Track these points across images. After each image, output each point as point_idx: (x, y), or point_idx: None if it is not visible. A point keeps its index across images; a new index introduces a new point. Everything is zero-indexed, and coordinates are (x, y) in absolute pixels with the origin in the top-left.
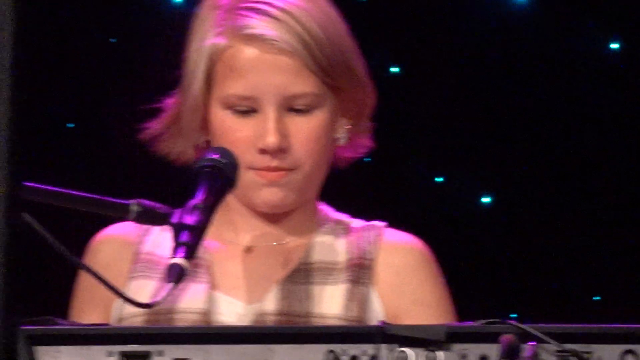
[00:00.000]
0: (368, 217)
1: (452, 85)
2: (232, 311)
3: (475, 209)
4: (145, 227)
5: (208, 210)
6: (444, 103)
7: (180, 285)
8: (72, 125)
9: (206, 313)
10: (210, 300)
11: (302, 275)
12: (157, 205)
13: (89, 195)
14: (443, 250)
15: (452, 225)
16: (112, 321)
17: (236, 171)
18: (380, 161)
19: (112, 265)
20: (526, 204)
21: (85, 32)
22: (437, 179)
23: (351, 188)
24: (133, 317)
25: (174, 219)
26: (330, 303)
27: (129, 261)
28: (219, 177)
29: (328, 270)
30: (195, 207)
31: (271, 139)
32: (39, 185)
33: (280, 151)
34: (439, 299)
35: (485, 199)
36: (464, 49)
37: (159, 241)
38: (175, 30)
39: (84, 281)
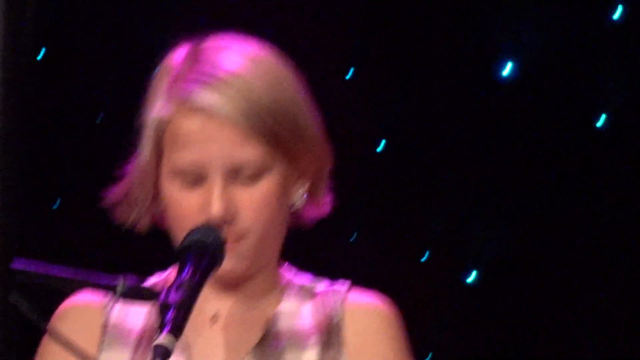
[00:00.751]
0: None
1: (441, 160)
2: None
3: (459, 287)
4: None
5: (194, 289)
6: (427, 179)
7: None
8: (56, 205)
9: None
10: None
11: (271, 343)
12: (141, 281)
13: (77, 274)
14: (431, 329)
15: (437, 302)
16: None
17: (222, 249)
18: (366, 234)
19: (80, 335)
20: (509, 281)
21: (69, 109)
22: (422, 259)
23: (331, 266)
24: None
25: (161, 297)
26: None
27: (98, 332)
28: (205, 254)
29: (297, 337)
30: (180, 286)
31: (216, 208)
32: (27, 266)
33: (225, 221)
34: (400, 358)
35: (471, 276)
36: (450, 126)
37: (127, 310)
38: None
39: (51, 351)
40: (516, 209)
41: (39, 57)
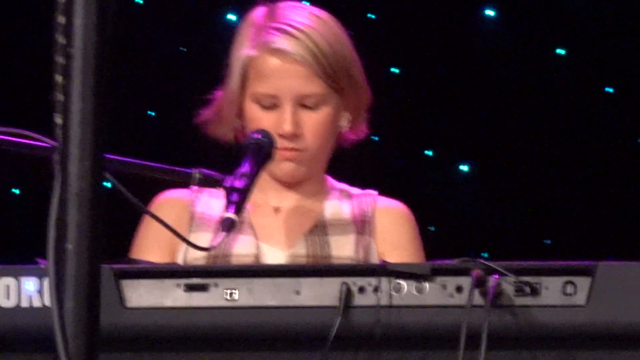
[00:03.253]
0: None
1: (441, 79)
2: (274, 255)
3: (456, 175)
4: (195, 192)
5: (252, 177)
6: (434, 95)
7: (232, 236)
8: (153, 113)
9: (256, 256)
10: (257, 247)
11: (320, 230)
12: (212, 172)
13: (159, 164)
14: (434, 206)
15: (439, 189)
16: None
17: (273, 147)
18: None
19: (175, 222)
20: (502, 170)
21: (160, 41)
22: (427, 153)
23: (358, 163)
24: (195, 260)
25: (227, 183)
26: (344, 248)
27: (188, 219)
28: (261, 151)
29: (339, 225)
30: (242, 174)
31: (287, 127)
32: (118, 157)
33: (294, 136)
34: (415, 246)
35: (464, 167)
36: (449, 54)
37: (208, 203)
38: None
39: (150, 228)
40: (499, 116)
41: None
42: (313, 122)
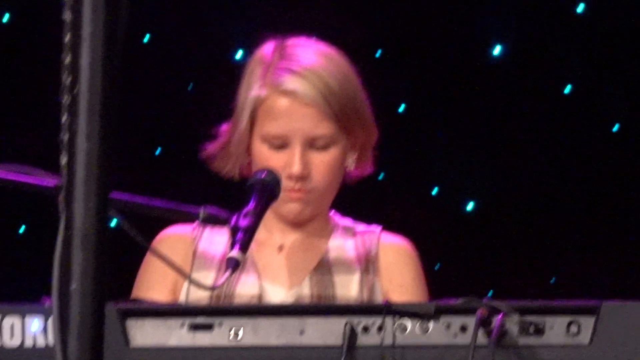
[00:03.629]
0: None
1: (447, 117)
2: (277, 295)
3: (461, 213)
4: (197, 228)
5: (257, 216)
6: (440, 132)
7: (235, 276)
8: (159, 151)
9: (259, 297)
10: (261, 287)
11: (324, 269)
12: (218, 210)
13: (164, 203)
14: (439, 243)
15: (445, 227)
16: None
17: (279, 186)
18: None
19: (178, 260)
20: (504, 210)
21: (166, 80)
22: (432, 192)
23: (363, 200)
24: (199, 300)
25: (232, 223)
26: (348, 288)
27: (190, 257)
28: (266, 190)
29: (343, 265)
30: (247, 213)
31: (296, 169)
32: (123, 195)
33: (302, 178)
34: (418, 283)
35: (469, 206)
36: (456, 91)
37: (211, 240)
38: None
39: (153, 265)
40: (505, 154)
41: (144, 41)
42: (321, 163)
